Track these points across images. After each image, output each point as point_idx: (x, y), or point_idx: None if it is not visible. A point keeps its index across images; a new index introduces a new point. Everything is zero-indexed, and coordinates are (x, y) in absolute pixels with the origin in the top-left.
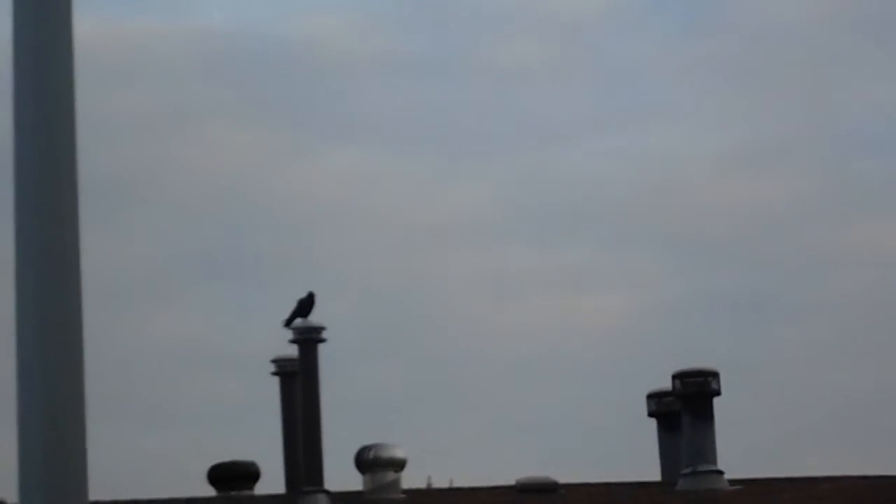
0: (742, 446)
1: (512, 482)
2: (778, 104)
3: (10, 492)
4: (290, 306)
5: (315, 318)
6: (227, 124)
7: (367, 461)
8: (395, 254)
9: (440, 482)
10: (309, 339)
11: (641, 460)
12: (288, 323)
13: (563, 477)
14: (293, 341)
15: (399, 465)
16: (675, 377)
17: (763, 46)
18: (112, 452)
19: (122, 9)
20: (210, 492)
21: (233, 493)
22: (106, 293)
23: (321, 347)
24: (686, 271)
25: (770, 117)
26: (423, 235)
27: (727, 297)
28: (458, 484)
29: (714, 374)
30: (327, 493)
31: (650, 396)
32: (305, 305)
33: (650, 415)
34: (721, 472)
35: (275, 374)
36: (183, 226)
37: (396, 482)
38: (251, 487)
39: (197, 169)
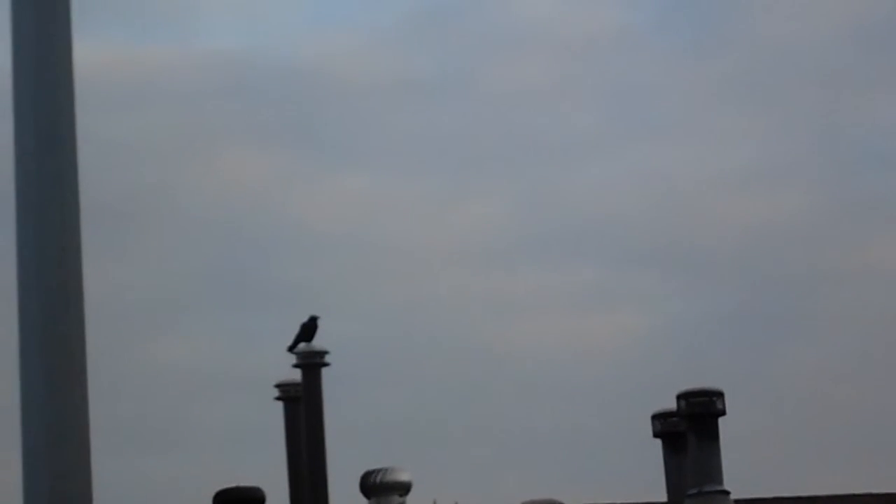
0: (748, 466)
1: None
2: (784, 122)
3: None
4: (294, 331)
5: (320, 341)
6: (236, 148)
7: (372, 485)
8: (401, 276)
9: None
10: (312, 364)
11: (647, 481)
12: (292, 348)
13: (569, 499)
14: (296, 366)
15: (404, 488)
16: (679, 397)
17: (769, 65)
18: (116, 478)
19: (131, 34)
20: None
21: None
22: (111, 317)
23: (325, 371)
24: (693, 290)
25: (777, 136)
26: (430, 258)
27: (735, 316)
28: None
29: (719, 394)
30: None
31: (655, 417)
32: (308, 329)
33: (655, 435)
34: (727, 493)
35: (278, 398)
36: (189, 250)
37: None
38: None
39: (205, 193)
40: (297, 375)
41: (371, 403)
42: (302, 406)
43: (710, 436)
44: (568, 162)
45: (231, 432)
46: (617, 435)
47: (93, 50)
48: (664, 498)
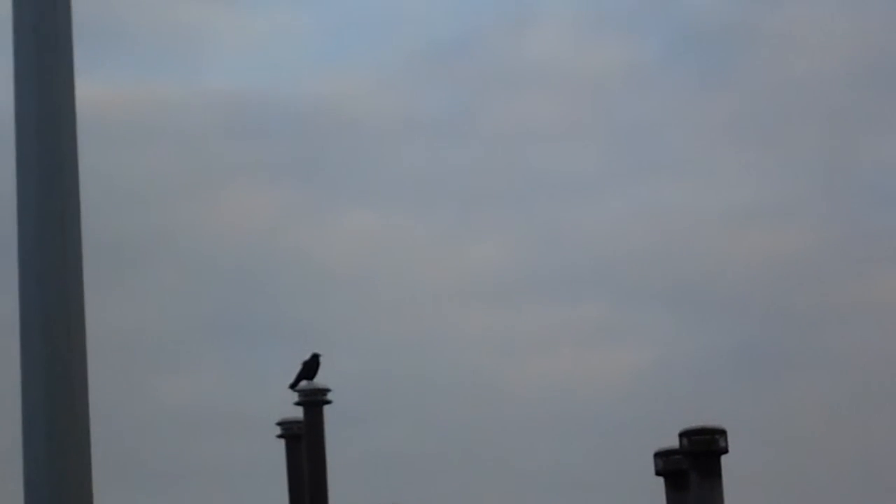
0: None
1: None
2: (789, 159)
3: None
4: (297, 368)
5: (322, 379)
6: (242, 186)
7: None
8: (406, 314)
9: None
10: (314, 401)
11: None
12: (294, 385)
13: None
14: (298, 403)
15: None
16: (682, 435)
17: (776, 102)
18: None
19: (135, 73)
20: None
21: None
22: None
23: (327, 409)
24: (697, 327)
25: (782, 172)
26: (436, 296)
27: (739, 352)
28: None
29: (721, 432)
30: None
31: (657, 455)
32: (310, 367)
33: (658, 473)
34: None
35: (280, 436)
36: (194, 288)
37: None
38: None
39: (210, 231)
40: (299, 413)
41: (373, 440)
42: (304, 443)
43: (713, 474)
44: (574, 199)
45: (233, 470)
46: (619, 472)
47: (99, 88)
48: None
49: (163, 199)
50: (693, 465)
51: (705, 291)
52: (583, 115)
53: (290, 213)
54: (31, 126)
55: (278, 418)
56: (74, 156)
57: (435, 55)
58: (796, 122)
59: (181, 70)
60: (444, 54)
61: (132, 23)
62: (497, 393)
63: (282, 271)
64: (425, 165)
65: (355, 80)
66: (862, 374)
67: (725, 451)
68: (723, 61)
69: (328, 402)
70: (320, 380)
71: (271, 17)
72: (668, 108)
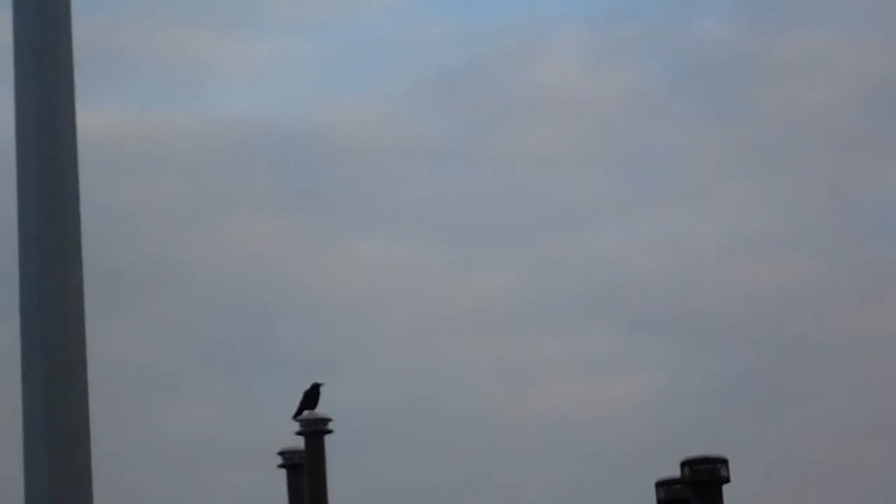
0: None
1: None
2: (795, 188)
3: None
4: (299, 398)
5: (324, 409)
6: (247, 214)
7: None
8: (413, 342)
9: None
10: (315, 431)
11: None
12: (297, 415)
13: None
14: (300, 433)
15: None
16: (683, 464)
17: (783, 131)
18: None
19: (145, 102)
20: None
21: None
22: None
23: (328, 438)
24: (701, 355)
25: (787, 202)
26: (441, 324)
27: (742, 381)
28: None
29: (723, 461)
30: None
31: (659, 484)
32: (311, 397)
33: (659, 503)
34: None
35: (282, 466)
36: (197, 316)
37: None
38: None
39: (214, 259)
40: (300, 443)
41: (375, 470)
42: (305, 473)
43: (714, 503)
44: (579, 227)
45: (234, 499)
46: (622, 502)
47: (105, 117)
48: None
49: (167, 228)
50: (695, 494)
51: (710, 320)
52: (589, 143)
53: (294, 242)
54: (32, 154)
55: (280, 448)
56: (76, 183)
57: (440, 83)
58: (802, 150)
59: (187, 99)
60: (449, 82)
61: (138, 53)
62: (499, 422)
63: (286, 300)
64: (431, 193)
65: (362, 108)
66: (866, 403)
67: (727, 480)
68: (729, 89)
69: (329, 432)
70: (322, 409)
71: (278, 47)
72: (675, 136)
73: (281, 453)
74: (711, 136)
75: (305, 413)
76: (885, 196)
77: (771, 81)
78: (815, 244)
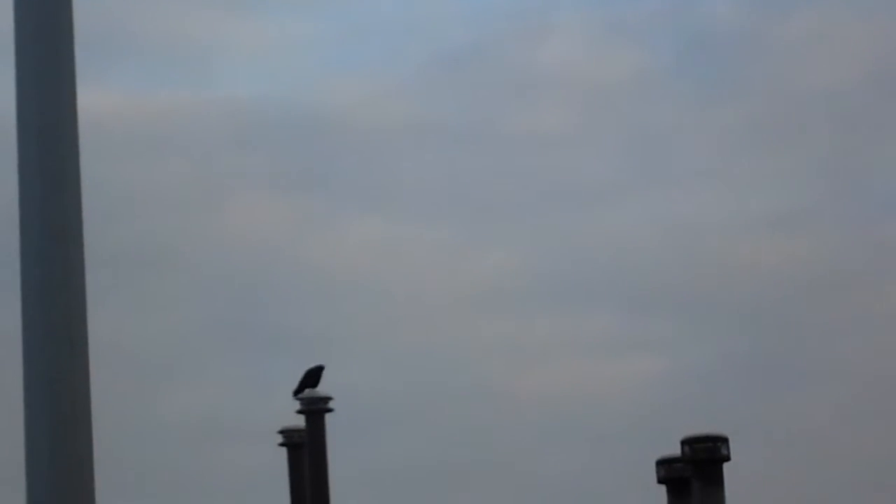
0: None
1: None
2: (801, 168)
3: None
4: (300, 376)
5: (328, 388)
6: (249, 195)
7: None
8: (413, 322)
9: None
10: (316, 410)
11: None
12: (297, 393)
13: None
14: (300, 412)
15: None
16: (684, 443)
17: (789, 110)
18: None
19: (146, 82)
20: None
21: None
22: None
23: (329, 417)
24: (705, 336)
25: (793, 181)
26: (444, 304)
27: (746, 361)
28: None
29: (724, 440)
30: None
31: (659, 463)
32: (313, 375)
33: (660, 481)
34: None
35: (282, 444)
36: (198, 297)
37: None
38: None
39: (216, 240)
40: (300, 421)
41: (376, 449)
42: (306, 452)
43: (715, 482)
44: (585, 208)
45: (235, 478)
46: (622, 480)
47: (105, 97)
48: None
49: (169, 209)
50: (695, 473)
51: (714, 300)
52: (595, 123)
53: (296, 223)
54: (32, 135)
55: (280, 427)
56: (77, 165)
57: (447, 63)
58: (809, 130)
59: (190, 80)
60: (456, 62)
61: (140, 32)
62: (503, 402)
63: (288, 281)
64: (436, 173)
65: (366, 88)
66: (870, 383)
67: (727, 458)
68: (736, 69)
69: (330, 411)
70: (323, 388)
71: (282, 26)
72: (681, 115)
73: (281, 432)
74: (718, 116)
75: (306, 392)
76: (892, 175)
77: (778, 61)
78: (821, 224)
